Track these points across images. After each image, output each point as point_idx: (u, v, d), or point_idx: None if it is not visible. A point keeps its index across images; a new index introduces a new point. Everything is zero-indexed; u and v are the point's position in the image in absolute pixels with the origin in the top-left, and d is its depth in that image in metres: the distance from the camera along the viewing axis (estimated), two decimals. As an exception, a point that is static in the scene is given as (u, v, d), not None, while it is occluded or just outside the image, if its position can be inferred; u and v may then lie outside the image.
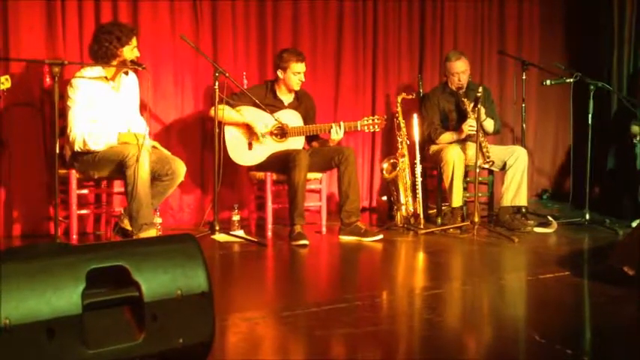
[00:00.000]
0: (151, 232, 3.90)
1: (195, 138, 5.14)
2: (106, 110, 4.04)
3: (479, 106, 4.59)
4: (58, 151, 3.69)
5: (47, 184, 4.38)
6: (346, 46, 5.76)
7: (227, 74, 4.27)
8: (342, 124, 4.65)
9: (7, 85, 3.31)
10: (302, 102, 4.80)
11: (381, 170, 5.07)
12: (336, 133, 4.63)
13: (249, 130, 4.59)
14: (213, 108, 4.28)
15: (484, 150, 4.71)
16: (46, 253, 1.86)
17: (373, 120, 4.73)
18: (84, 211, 4.38)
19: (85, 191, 4.39)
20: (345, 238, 4.48)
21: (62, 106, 3.97)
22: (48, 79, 4.22)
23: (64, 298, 1.71)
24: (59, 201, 3.81)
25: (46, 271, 1.73)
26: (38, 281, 1.70)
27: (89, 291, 1.76)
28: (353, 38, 5.79)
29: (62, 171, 4.00)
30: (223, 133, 4.50)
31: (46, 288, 1.70)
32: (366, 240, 4.41)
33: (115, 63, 4.03)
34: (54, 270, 1.75)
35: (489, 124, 5.05)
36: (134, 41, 4.05)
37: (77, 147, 3.92)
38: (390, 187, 5.01)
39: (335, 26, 5.72)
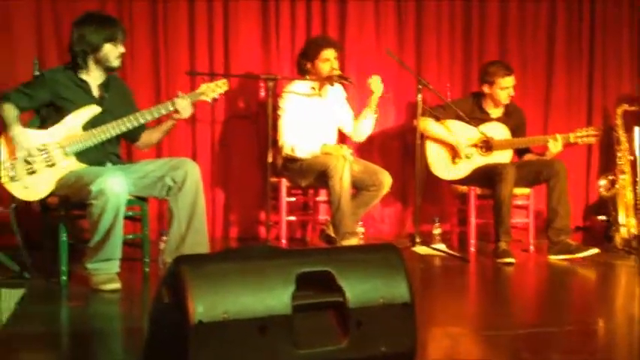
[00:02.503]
0: (353, 241, 4.00)
1: (397, 150, 5.18)
2: (313, 121, 4.25)
3: None
4: (270, 160, 3.92)
5: (260, 190, 4.67)
6: (558, 55, 5.45)
7: (430, 86, 4.25)
8: (558, 136, 4.38)
9: (225, 88, 3.58)
10: (511, 116, 4.61)
11: (598, 187, 4.71)
12: (555, 147, 4.38)
13: (452, 145, 4.52)
14: (415, 120, 4.28)
15: None
16: (260, 255, 1.97)
17: (587, 132, 4.42)
18: (292, 218, 4.60)
19: (293, 199, 4.61)
20: (555, 258, 4.21)
21: (275, 118, 4.21)
22: (263, 93, 4.52)
23: (275, 298, 1.79)
24: (270, 207, 4.04)
25: (260, 272, 1.82)
26: (253, 281, 1.80)
27: (298, 293, 1.82)
28: (566, 46, 5.46)
29: (274, 179, 4.25)
30: (425, 145, 4.48)
31: (260, 287, 1.79)
32: (578, 256, 4.11)
33: (310, 77, 4.23)
34: (267, 271, 1.84)
35: None
36: (324, 54, 4.19)
37: (285, 153, 4.16)
38: (607, 205, 4.63)
39: (546, 34, 5.44)
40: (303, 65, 4.29)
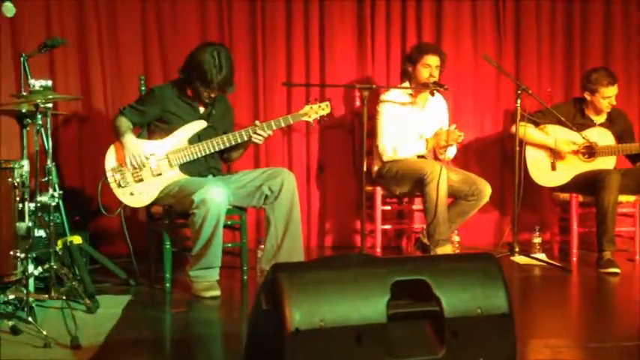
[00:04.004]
0: (447, 249, 3.96)
1: (495, 158, 5.07)
2: (410, 127, 4.22)
3: None
4: (365, 169, 3.93)
5: (355, 199, 4.70)
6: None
7: (530, 91, 4.14)
8: None
9: (327, 110, 3.70)
10: (615, 122, 4.43)
11: None
12: None
13: (552, 150, 4.38)
14: (514, 126, 4.18)
15: None
16: (356, 263, 1.99)
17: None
18: (387, 226, 4.59)
19: (388, 207, 4.60)
20: (664, 269, 4.02)
21: (370, 127, 4.22)
22: (358, 102, 4.55)
23: (371, 306, 1.80)
24: (365, 216, 4.05)
25: (355, 280, 1.84)
26: (349, 289, 1.82)
27: (393, 302, 1.83)
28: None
29: (369, 188, 4.26)
30: (524, 152, 4.36)
31: (356, 296, 1.81)
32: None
33: (411, 84, 4.20)
34: (362, 279, 1.85)
35: None
36: (427, 59, 4.15)
37: (386, 157, 4.15)
38: None
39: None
40: (406, 67, 4.26)
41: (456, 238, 4.31)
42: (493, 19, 5.05)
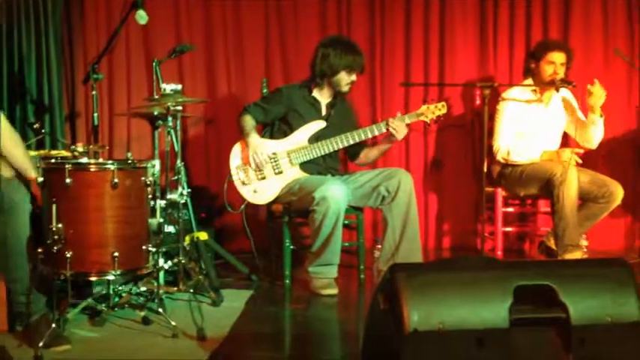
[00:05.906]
0: (576, 254, 3.77)
1: (627, 158, 4.77)
2: (533, 126, 4.07)
3: None
4: (485, 169, 3.83)
5: (475, 200, 4.59)
6: None
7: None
8: None
9: (444, 111, 3.65)
10: None
11: None
12: None
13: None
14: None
15: None
16: (476, 266, 1.94)
17: None
18: (509, 229, 4.45)
19: (510, 209, 4.45)
20: None
21: (491, 126, 4.10)
22: (478, 101, 4.44)
23: (492, 310, 1.75)
24: (486, 217, 3.95)
25: (476, 283, 1.80)
26: (469, 292, 1.78)
27: (516, 307, 1.77)
28: None
29: (489, 189, 4.15)
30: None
31: (476, 299, 1.77)
32: None
33: (534, 81, 4.05)
34: (483, 283, 1.81)
35: None
36: (552, 56, 3.98)
37: (500, 157, 4.04)
38: None
39: None
40: (528, 64, 4.11)
41: (584, 243, 4.11)
42: (625, 10, 4.76)
